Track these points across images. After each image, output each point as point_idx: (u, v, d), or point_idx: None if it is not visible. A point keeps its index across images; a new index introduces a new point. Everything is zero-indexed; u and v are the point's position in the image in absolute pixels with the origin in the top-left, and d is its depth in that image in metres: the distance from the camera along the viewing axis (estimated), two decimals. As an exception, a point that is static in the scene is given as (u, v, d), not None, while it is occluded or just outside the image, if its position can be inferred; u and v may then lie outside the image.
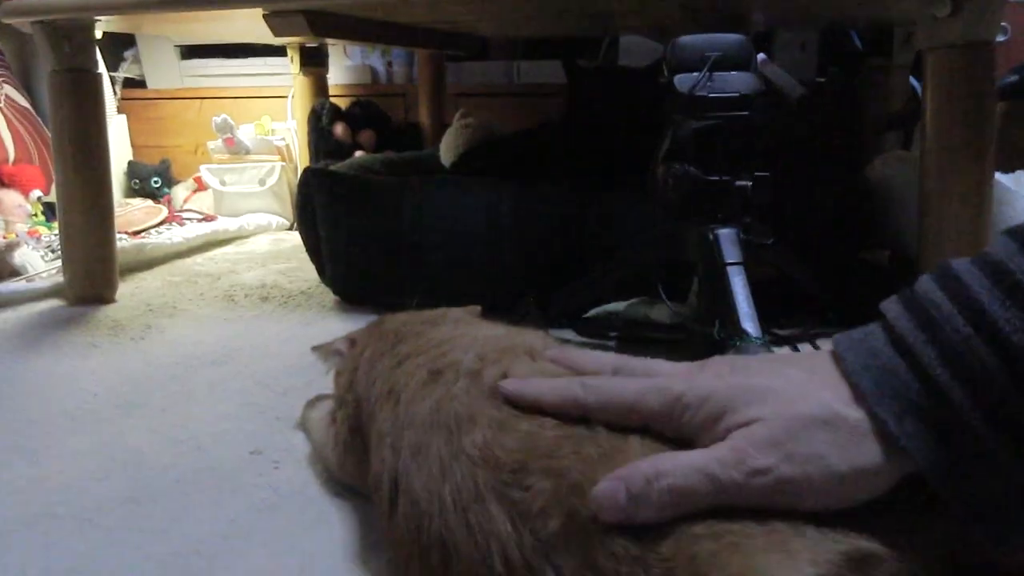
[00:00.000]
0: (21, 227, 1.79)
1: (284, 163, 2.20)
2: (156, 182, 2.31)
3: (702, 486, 0.39)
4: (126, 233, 1.83)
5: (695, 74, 0.95)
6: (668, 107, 0.97)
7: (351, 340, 0.72)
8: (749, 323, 0.85)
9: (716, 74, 0.94)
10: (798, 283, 1.06)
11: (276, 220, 2.17)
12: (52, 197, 1.83)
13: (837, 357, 0.41)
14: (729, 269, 0.90)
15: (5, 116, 2.03)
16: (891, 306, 0.41)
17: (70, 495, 0.71)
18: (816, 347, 1.01)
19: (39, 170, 2.03)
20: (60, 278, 1.41)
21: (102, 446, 0.82)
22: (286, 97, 2.28)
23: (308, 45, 1.91)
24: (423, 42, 2.00)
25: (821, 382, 0.41)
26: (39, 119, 2.14)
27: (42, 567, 0.60)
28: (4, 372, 1.05)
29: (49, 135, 1.43)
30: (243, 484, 0.73)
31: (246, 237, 2.06)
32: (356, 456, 0.64)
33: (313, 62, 1.94)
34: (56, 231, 1.47)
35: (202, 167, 2.22)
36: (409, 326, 0.67)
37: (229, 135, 2.20)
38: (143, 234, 1.89)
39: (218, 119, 2.19)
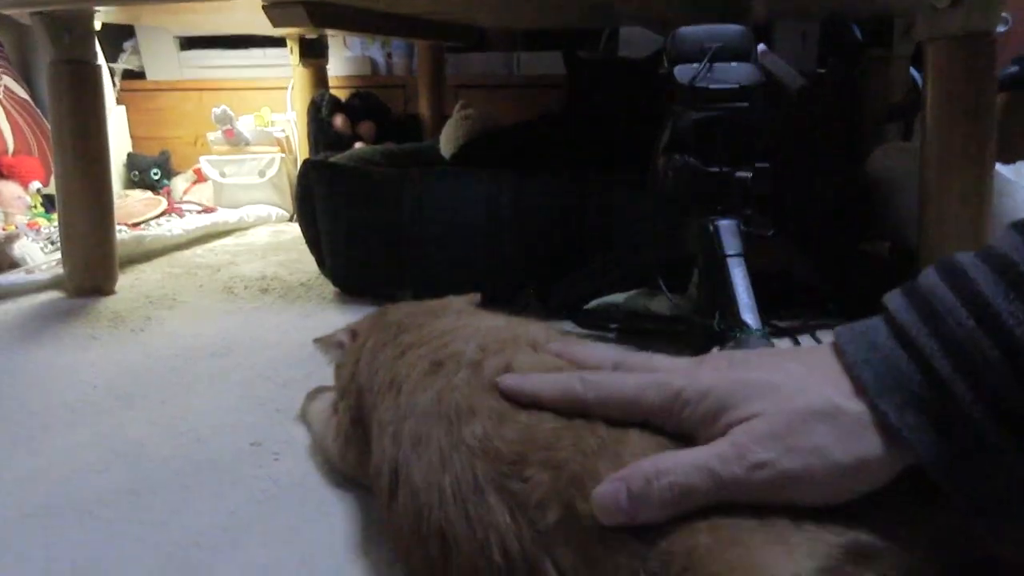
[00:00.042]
0: (20, 219, 1.79)
1: (284, 155, 2.20)
2: (155, 174, 2.31)
3: (703, 483, 0.38)
4: (126, 225, 1.83)
5: (695, 65, 0.94)
6: (668, 98, 0.97)
7: (352, 332, 0.72)
8: (749, 315, 0.85)
9: (716, 65, 0.94)
10: (798, 275, 1.06)
11: (276, 212, 2.17)
12: (51, 189, 1.83)
13: (838, 350, 0.41)
14: (729, 260, 0.89)
15: (4, 108, 2.03)
16: (893, 299, 0.41)
17: (70, 487, 0.71)
18: (816, 339, 1.00)
19: (38, 162, 2.03)
20: (60, 270, 1.41)
21: (102, 438, 0.82)
22: (286, 88, 2.28)
23: (308, 36, 1.91)
24: (423, 33, 2.00)
25: (822, 376, 0.40)
26: (38, 111, 2.14)
27: (42, 558, 0.61)
28: (4, 364, 1.05)
29: (48, 127, 1.43)
30: (243, 476, 0.73)
31: (246, 229, 2.05)
32: (358, 447, 0.64)
33: (313, 53, 1.94)
34: (55, 223, 1.47)
35: (202, 158, 2.22)
36: (412, 317, 0.67)
37: (229, 126, 2.20)
38: (143, 226, 1.89)
39: (217, 110, 2.19)
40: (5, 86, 2.09)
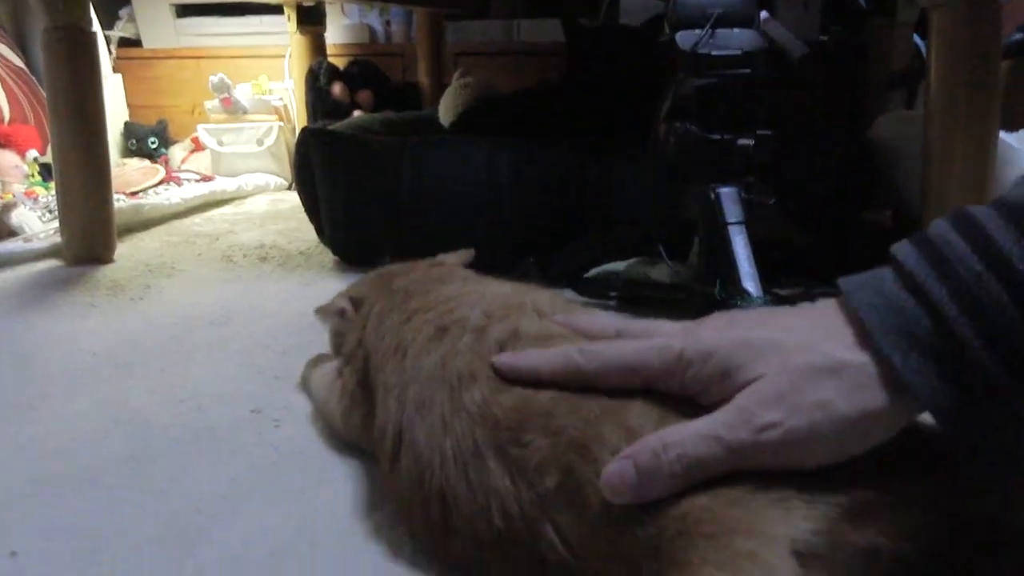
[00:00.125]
0: (18, 187, 1.78)
1: (282, 123, 2.19)
2: (153, 142, 2.29)
3: (712, 452, 0.38)
4: (123, 194, 1.82)
5: (697, 31, 0.93)
6: (670, 65, 0.96)
7: (351, 299, 0.72)
8: (750, 282, 0.85)
9: (718, 31, 0.93)
10: (799, 242, 1.05)
11: (274, 180, 2.16)
12: (48, 157, 1.82)
13: (843, 298, 0.40)
14: (730, 228, 0.89)
15: (0, 76, 2.01)
16: (901, 247, 0.40)
17: (70, 455, 0.71)
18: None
19: (35, 130, 2.01)
20: (58, 238, 1.41)
21: (102, 406, 0.82)
22: (283, 56, 2.26)
23: (305, 3, 1.89)
24: (422, 0, 1.98)
25: (824, 331, 0.40)
26: (34, 79, 2.12)
27: (42, 526, 0.61)
28: (3, 333, 1.05)
29: (44, 95, 1.42)
30: (243, 443, 0.73)
31: (244, 197, 2.05)
32: (363, 409, 0.64)
33: (310, 21, 1.92)
34: (53, 191, 1.46)
35: (199, 127, 2.21)
36: (418, 283, 0.67)
37: (226, 95, 2.18)
38: (140, 195, 1.88)
39: (215, 79, 2.17)
40: (0, 54, 2.07)
